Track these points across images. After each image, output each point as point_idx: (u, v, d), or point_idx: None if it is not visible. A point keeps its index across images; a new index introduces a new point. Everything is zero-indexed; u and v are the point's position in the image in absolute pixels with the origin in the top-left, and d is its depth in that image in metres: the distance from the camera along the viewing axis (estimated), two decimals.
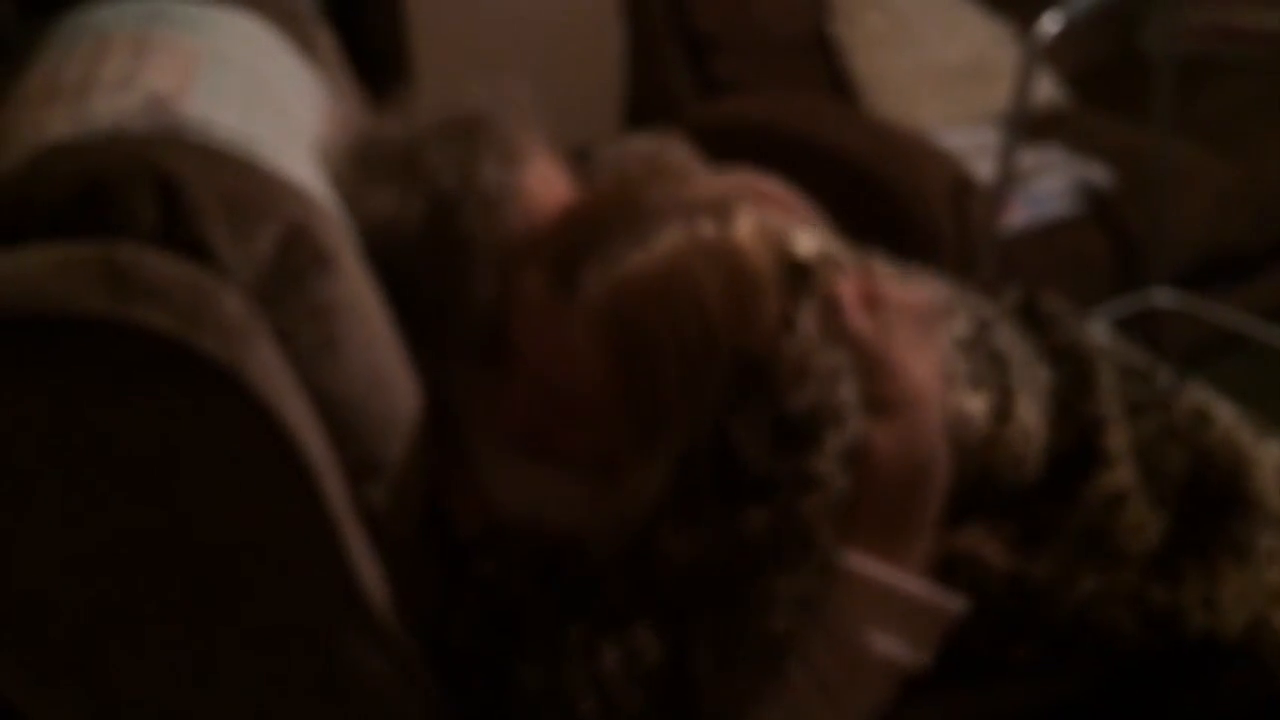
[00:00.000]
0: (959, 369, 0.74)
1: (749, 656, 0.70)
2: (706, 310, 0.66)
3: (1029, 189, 1.54)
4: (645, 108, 1.75)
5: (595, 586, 0.71)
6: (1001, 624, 0.73)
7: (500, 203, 0.70)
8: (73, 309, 0.53)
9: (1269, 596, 0.73)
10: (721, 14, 1.73)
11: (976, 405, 0.73)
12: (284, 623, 0.65)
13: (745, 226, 0.68)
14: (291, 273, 0.61)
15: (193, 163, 0.60)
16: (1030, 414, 0.75)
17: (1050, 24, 1.29)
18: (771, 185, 0.89)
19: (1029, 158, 1.53)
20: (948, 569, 0.72)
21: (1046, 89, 1.78)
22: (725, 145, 0.96)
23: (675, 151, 0.92)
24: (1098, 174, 1.59)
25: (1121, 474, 0.74)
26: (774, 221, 0.74)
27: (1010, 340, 0.79)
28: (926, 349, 0.72)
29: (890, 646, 0.70)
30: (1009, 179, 1.35)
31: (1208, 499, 0.75)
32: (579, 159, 0.90)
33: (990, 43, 1.84)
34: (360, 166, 0.73)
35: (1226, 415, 0.79)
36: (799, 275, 0.71)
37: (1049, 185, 1.57)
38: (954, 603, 0.71)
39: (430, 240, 0.70)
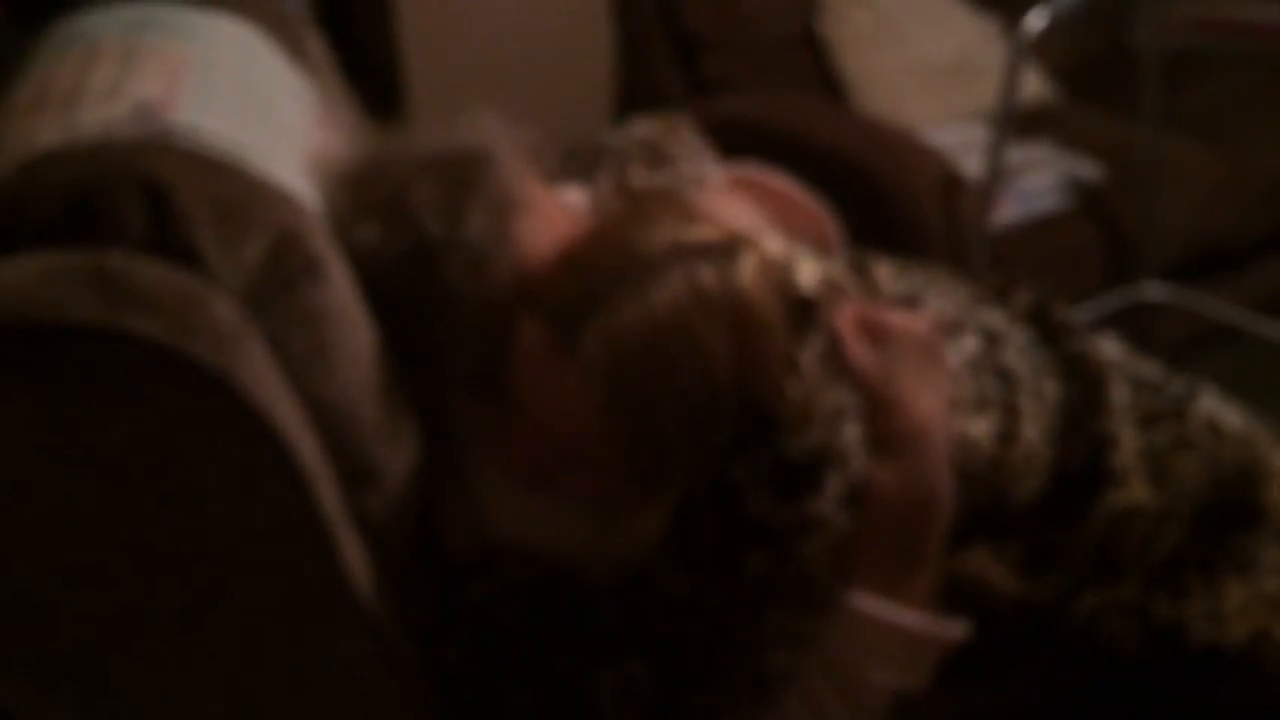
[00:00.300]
0: (966, 391, 0.73)
1: (745, 692, 0.69)
2: (709, 363, 0.65)
3: (1018, 185, 1.54)
4: (637, 108, 1.75)
5: (589, 615, 0.70)
6: (1005, 642, 0.73)
7: (488, 258, 0.68)
8: (64, 317, 0.53)
9: (1272, 608, 0.72)
10: (711, 14, 1.73)
11: (982, 429, 0.72)
12: (280, 628, 0.65)
13: (747, 268, 0.67)
14: (282, 279, 0.61)
15: (182, 169, 0.60)
16: (1036, 435, 0.74)
17: (1037, 20, 1.29)
18: (777, 180, 0.89)
19: (1018, 154, 1.54)
20: (953, 591, 0.72)
21: (1034, 85, 1.79)
22: (717, 144, 0.96)
23: (681, 137, 0.91)
24: (1087, 169, 1.59)
25: (1131, 491, 0.73)
26: (775, 252, 0.72)
27: (1019, 354, 0.77)
28: (931, 379, 0.71)
29: (889, 678, 0.70)
30: (998, 175, 1.36)
31: (1220, 510, 0.74)
32: (569, 157, 0.89)
33: (977, 40, 1.84)
34: (350, 192, 0.71)
35: (1240, 424, 0.78)
36: (803, 312, 0.70)
37: (1038, 181, 1.57)
38: (955, 631, 0.70)
39: (410, 289, 0.68)
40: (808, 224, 0.84)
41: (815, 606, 0.69)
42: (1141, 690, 0.74)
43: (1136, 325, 1.59)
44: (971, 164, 1.41)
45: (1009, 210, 1.51)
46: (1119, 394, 0.77)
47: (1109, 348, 0.81)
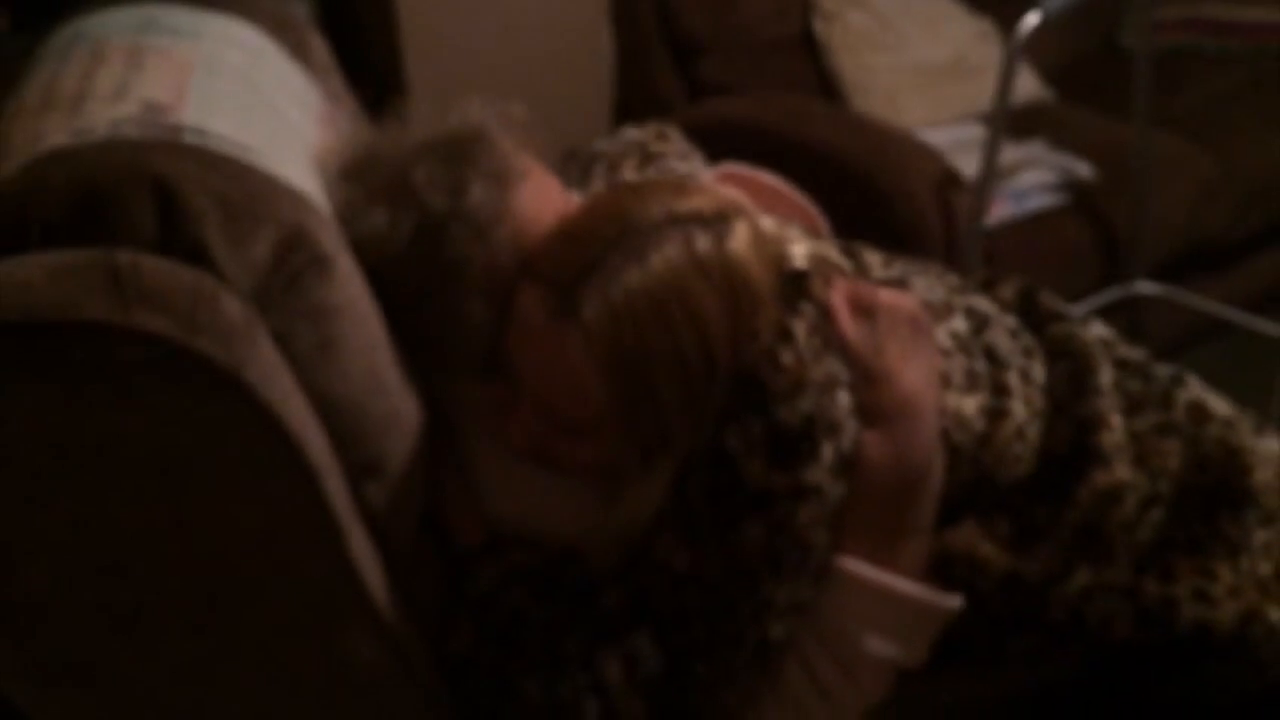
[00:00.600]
0: (955, 368, 0.75)
1: (747, 662, 0.70)
2: (705, 327, 0.66)
3: (1012, 184, 1.55)
4: (636, 111, 1.76)
5: (594, 597, 0.71)
6: (997, 620, 0.74)
7: (491, 225, 0.69)
8: (74, 315, 0.53)
9: (1262, 589, 0.73)
10: (708, 17, 1.74)
11: (971, 405, 0.74)
12: (288, 622, 0.65)
13: (741, 238, 0.68)
14: (289, 276, 0.61)
15: (189, 168, 0.60)
16: (1024, 412, 0.75)
17: (1030, 21, 1.30)
18: (765, 177, 0.90)
19: (1012, 153, 1.55)
20: (943, 566, 0.73)
21: (1028, 85, 1.80)
22: (714, 145, 0.97)
23: (671, 140, 0.92)
24: (1080, 168, 1.61)
25: (1116, 471, 0.74)
26: (768, 228, 0.74)
27: (1007, 336, 0.79)
28: (920, 354, 0.72)
29: (886, 647, 0.70)
30: (992, 174, 1.37)
31: (1205, 494, 0.75)
32: (568, 158, 0.90)
33: (972, 40, 1.86)
34: (354, 183, 0.72)
35: (1225, 409, 0.79)
36: (795, 284, 0.71)
37: (1032, 180, 1.58)
38: (949, 601, 0.71)
39: (421, 262, 0.70)
40: (796, 218, 0.85)
41: (813, 575, 0.70)
42: (1132, 673, 0.75)
43: (1129, 321, 1.61)
44: (966, 164, 1.42)
45: (1003, 209, 1.52)
46: (1106, 376, 0.78)
47: (1096, 331, 0.82)
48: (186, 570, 0.61)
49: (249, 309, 0.59)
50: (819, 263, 0.74)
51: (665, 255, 0.65)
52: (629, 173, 0.88)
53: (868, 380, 0.70)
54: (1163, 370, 0.81)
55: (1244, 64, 1.90)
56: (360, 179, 0.72)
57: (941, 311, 0.78)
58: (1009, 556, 0.73)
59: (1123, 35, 1.99)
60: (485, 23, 1.72)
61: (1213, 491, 0.75)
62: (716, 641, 0.70)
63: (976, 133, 1.54)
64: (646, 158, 0.90)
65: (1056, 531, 0.74)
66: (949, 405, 0.73)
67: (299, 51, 0.87)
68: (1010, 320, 0.81)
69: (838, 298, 0.72)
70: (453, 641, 0.71)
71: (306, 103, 0.82)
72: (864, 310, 0.73)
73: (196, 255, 0.58)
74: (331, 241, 0.65)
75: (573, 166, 0.90)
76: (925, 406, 0.71)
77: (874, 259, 0.81)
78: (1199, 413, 0.78)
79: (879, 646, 0.70)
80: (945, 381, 0.74)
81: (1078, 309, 0.88)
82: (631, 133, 0.93)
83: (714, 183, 0.87)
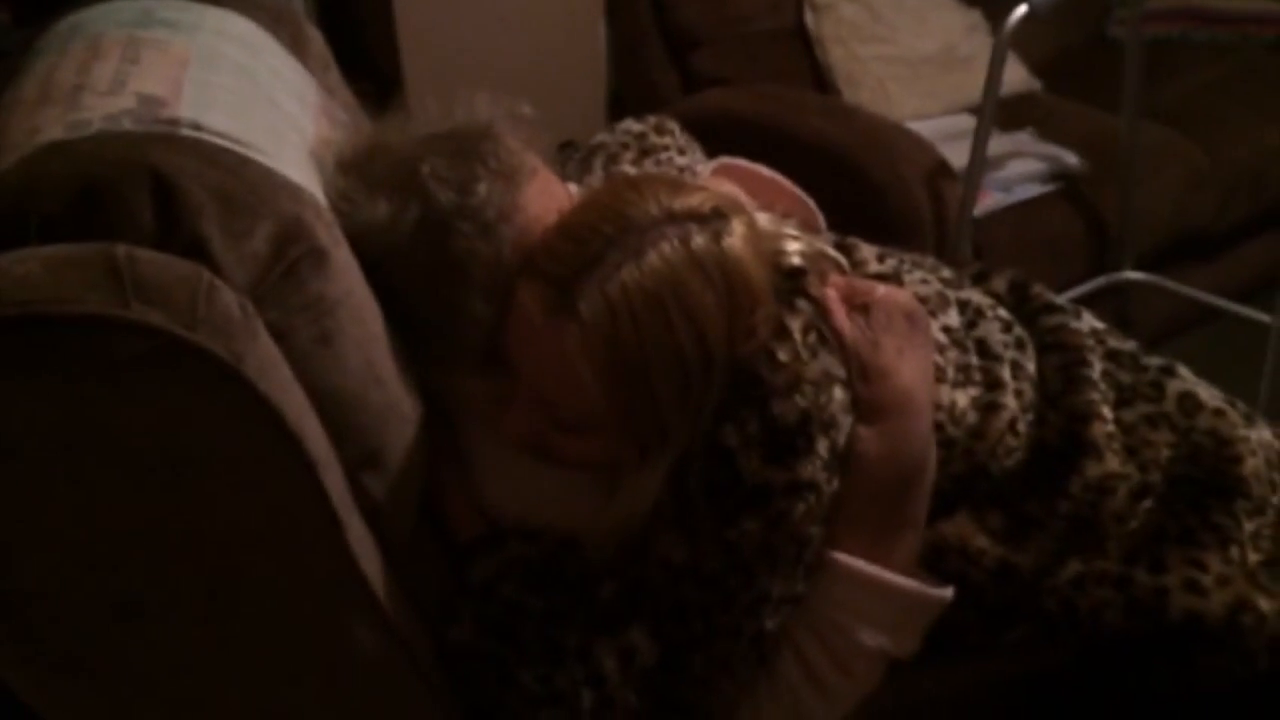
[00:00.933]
0: (948, 361, 0.75)
1: (742, 655, 0.71)
2: (702, 324, 0.66)
3: (1002, 174, 1.57)
4: (631, 103, 1.76)
5: (592, 589, 0.72)
6: (989, 610, 0.74)
7: (496, 222, 0.70)
8: (73, 308, 0.53)
9: (1252, 579, 0.73)
10: (702, 10, 1.75)
11: (964, 398, 0.74)
12: (288, 613, 0.65)
13: (737, 235, 0.68)
14: (288, 269, 0.61)
15: (187, 161, 0.60)
16: (1017, 405, 0.76)
17: (1019, 12, 1.31)
18: (762, 170, 0.90)
19: (1002, 144, 1.56)
20: (936, 557, 0.74)
21: (1017, 76, 1.81)
22: (708, 137, 0.98)
23: (670, 133, 0.93)
24: (1069, 158, 1.62)
25: (1108, 463, 0.75)
26: (765, 225, 0.74)
27: (999, 329, 0.79)
28: (915, 349, 0.73)
29: (878, 638, 0.71)
30: (982, 164, 1.38)
31: (1195, 484, 0.76)
32: (566, 149, 0.91)
33: (962, 32, 1.86)
34: (353, 175, 0.72)
35: (1215, 400, 0.79)
36: (791, 281, 0.72)
37: (1021, 170, 1.59)
38: (941, 593, 0.72)
39: (423, 255, 0.70)
40: (792, 211, 0.86)
41: (808, 568, 0.70)
42: (1123, 662, 0.76)
43: (1117, 309, 1.62)
44: (956, 154, 1.43)
45: (993, 199, 1.54)
46: (1097, 368, 0.78)
47: (1088, 322, 0.83)
48: (186, 562, 0.61)
49: (247, 302, 0.59)
50: (815, 259, 0.74)
51: (662, 253, 0.66)
52: (628, 165, 0.89)
53: (864, 376, 0.71)
54: (1153, 361, 0.81)
55: (1232, 54, 1.91)
56: (360, 170, 0.72)
57: (935, 306, 0.78)
58: (1001, 548, 0.74)
59: (1111, 26, 2.00)
60: (481, 16, 1.72)
61: (1203, 482, 0.76)
62: (713, 634, 0.70)
63: (966, 123, 1.55)
64: (646, 150, 0.90)
65: (1048, 523, 0.74)
66: (942, 399, 0.74)
67: (295, 45, 0.87)
68: (1002, 313, 0.82)
69: (834, 294, 0.73)
70: (451, 632, 0.71)
71: (303, 96, 0.82)
72: (860, 306, 0.73)
73: (195, 248, 0.59)
74: (328, 234, 0.65)
75: (571, 158, 0.90)
76: (920, 402, 0.71)
77: (869, 253, 0.81)
78: (1189, 403, 0.78)
79: (872, 638, 0.71)
80: (939, 375, 0.74)
81: (1066, 297, 0.89)
82: (631, 125, 0.93)
83: (712, 177, 0.88)
